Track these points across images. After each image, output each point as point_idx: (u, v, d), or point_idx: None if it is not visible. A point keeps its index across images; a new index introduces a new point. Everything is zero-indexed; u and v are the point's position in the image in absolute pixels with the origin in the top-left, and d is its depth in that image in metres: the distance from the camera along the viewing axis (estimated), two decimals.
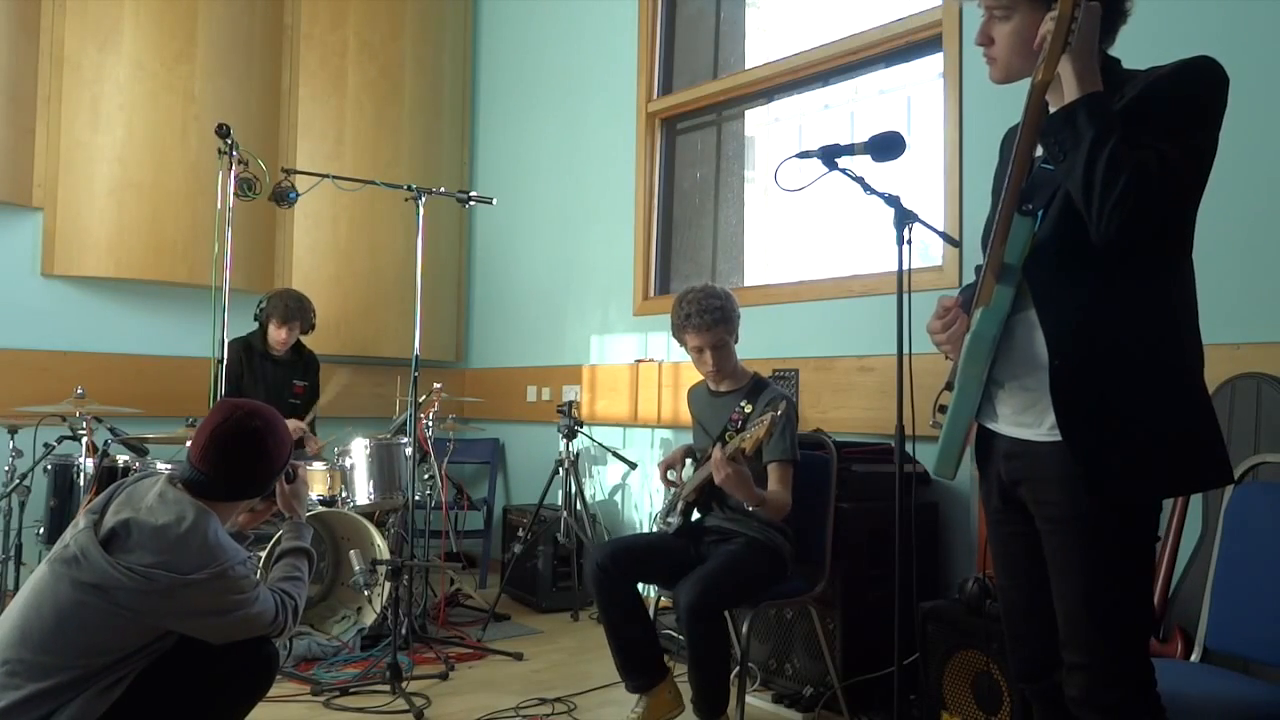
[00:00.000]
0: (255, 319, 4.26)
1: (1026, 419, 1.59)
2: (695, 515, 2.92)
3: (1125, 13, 1.58)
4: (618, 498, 4.63)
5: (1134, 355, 1.49)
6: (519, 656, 3.56)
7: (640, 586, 2.82)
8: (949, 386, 1.71)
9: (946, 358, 1.74)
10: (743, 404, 2.79)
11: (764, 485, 2.71)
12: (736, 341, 2.90)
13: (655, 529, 2.99)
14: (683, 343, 2.89)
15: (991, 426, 1.68)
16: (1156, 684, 1.52)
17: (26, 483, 3.61)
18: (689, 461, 3.05)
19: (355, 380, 5.06)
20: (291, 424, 4.15)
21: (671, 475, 2.95)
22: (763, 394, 2.81)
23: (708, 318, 2.78)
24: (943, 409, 1.73)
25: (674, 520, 2.88)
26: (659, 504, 3.06)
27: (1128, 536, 1.51)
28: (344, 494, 3.74)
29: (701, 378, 3.02)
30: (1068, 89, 1.47)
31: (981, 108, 3.19)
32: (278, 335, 4.20)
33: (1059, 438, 1.52)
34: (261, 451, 1.99)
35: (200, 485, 1.92)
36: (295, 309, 4.19)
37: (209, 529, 1.86)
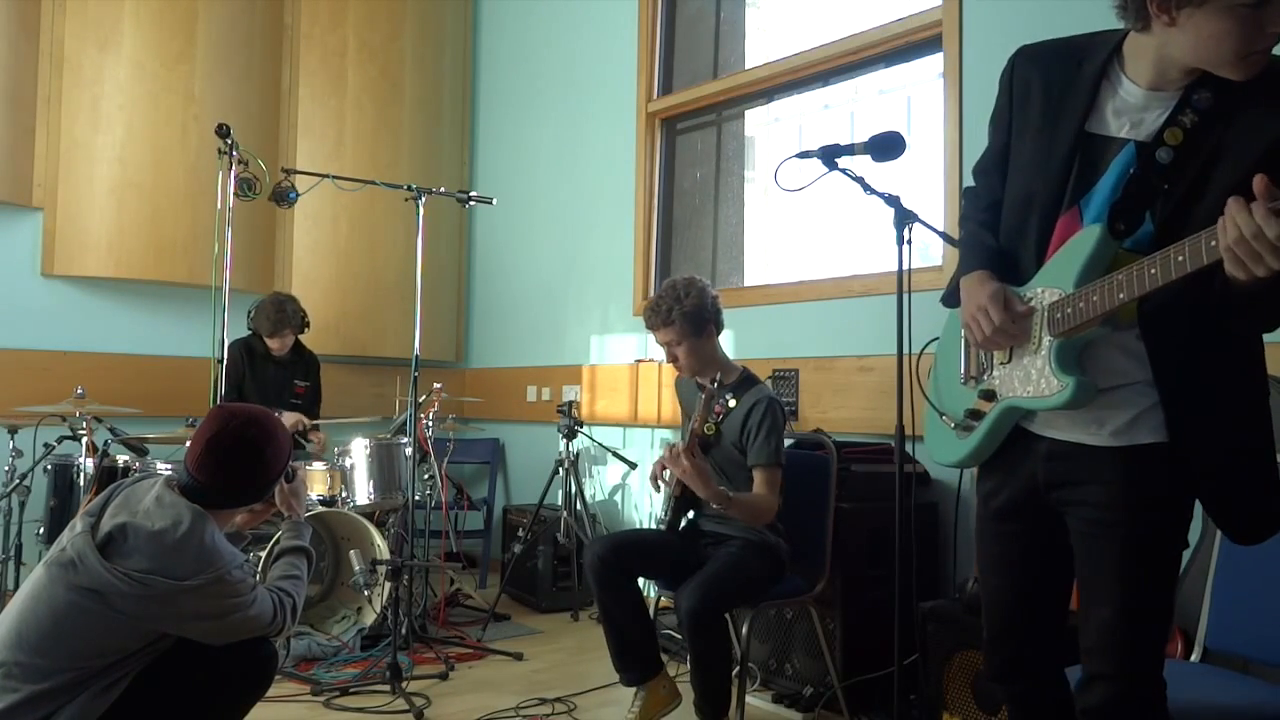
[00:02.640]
0: (249, 329, 4.29)
1: (1082, 422, 1.50)
2: (689, 515, 2.91)
3: None
4: (618, 498, 4.63)
5: (1250, 412, 1.46)
6: (519, 656, 3.56)
7: (640, 582, 2.81)
8: (987, 395, 1.61)
9: (977, 346, 1.63)
10: (726, 399, 2.77)
11: (748, 489, 2.71)
12: (710, 337, 2.82)
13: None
14: None
15: (1029, 427, 1.59)
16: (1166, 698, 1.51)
17: (26, 483, 3.61)
18: None
19: (355, 380, 5.06)
20: (291, 418, 4.16)
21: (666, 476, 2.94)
22: (749, 392, 2.78)
23: (656, 318, 2.77)
24: (973, 414, 1.64)
25: (665, 517, 2.86)
26: (659, 503, 3.05)
27: (1168, 547, 1.49)
28: (344, 494, 3.74)
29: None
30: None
31: (982, 108, 3.18)
32: (272, 345, 4.25)
33: (1121, 443, 1.46)
34: (259, 460, 1.98)
35: (197, 492, 1.91)
36: (278, 319, 4.20)
37: (205, 533, 1.86)
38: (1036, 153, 1.54)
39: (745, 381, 2.83)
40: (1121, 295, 1.35)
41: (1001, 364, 1.59)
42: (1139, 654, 1.48)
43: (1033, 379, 1.51)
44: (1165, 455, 1.44)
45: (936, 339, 1.85)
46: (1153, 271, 1.30)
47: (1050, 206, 1.52)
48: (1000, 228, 1.64)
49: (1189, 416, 1.42)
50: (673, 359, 2.84)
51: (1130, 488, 1.46)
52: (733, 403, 2.75)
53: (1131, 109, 1.45)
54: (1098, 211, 1.46)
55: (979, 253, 1.64)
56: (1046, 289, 1.50)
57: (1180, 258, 1.27)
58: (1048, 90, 1.54)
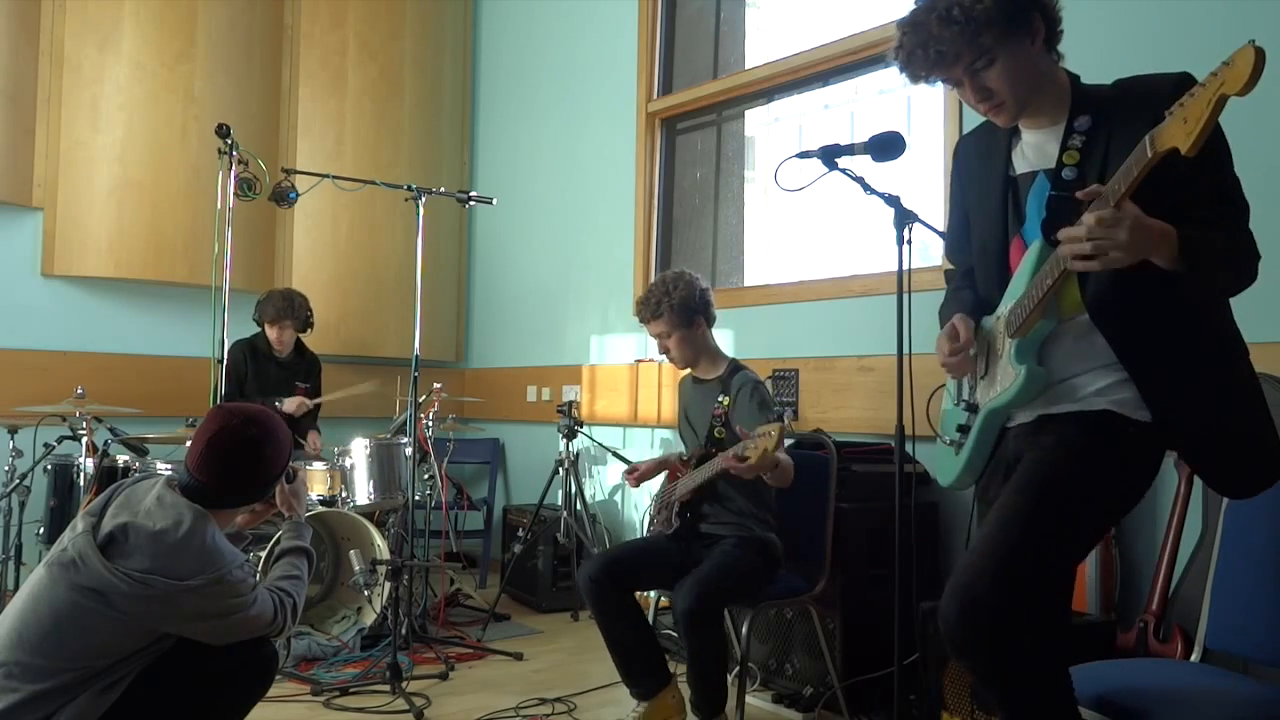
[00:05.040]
0: (254, 320, 4.29)
1: (1044, 403, 1.66)
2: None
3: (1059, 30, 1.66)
4: (618, 498, 4.63)
5: (1230, 383, 1.55)
6: (519, 656, 3.56)
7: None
8: (971, 409, 1.75)
9: (948, 373, 1.81)
10: (721, 398, 2.80)
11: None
12: (699, 328, 2.87)
13: (648, 532, 2.99)
14: None
15: (1006, 426, 1.75)
16: (1068, 658, 1.56)
17: (26, 483, 3.61)
18: (662, 477, 3.04)
19: (355, 380, 5.06)
20: (293, 402, 4.17)
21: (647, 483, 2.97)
22: (733, 381, 2.82)
23: (646, 310, 2.86)
24: (962, 429, 1.77)
25: (674, 523, 2.87)
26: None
27: (1088, 502, 1.57)
28: (344, 494, 3.74)
29: (687, 371, 3.04)
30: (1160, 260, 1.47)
31: None
32: (272, 335, 4.26)
33: (1074, 409, 1.60)
34: (259, 459, 1.99)
35: (198, 492, 1.91)
36: (284, 308, 4.22)
37: (206, 533, 1.86)
38: (981, 208, 1.80)
39: (731, 373, 2.88)
40: (1048, 281, 1.57)
41: (981, 378, 1.77)
42: (1012, 588, 1.48)
43: (999, 380, 1.70)
44: (1112, 424, 1.56)
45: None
46: (1059, 254, 1.54)
47: (1000, 244, 1.75)
48: (978, 283, 1.84)
49: (1164, 388, 1.53)
50: (664, 351, 2.91)
51: (1064, 437, 1.59)
52: (726, 401, 2.79)
53: (1032, 146, 1.72)
54: (1033, 234, 1.67)
55: (952, 306, 1.88)
56: (1007, 303, 1.71)
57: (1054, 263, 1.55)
58: (980, 157, 1.82)
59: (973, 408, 1.76)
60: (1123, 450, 1.57)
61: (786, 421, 2.53)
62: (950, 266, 2.03)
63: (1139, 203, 1.44)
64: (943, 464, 1.86)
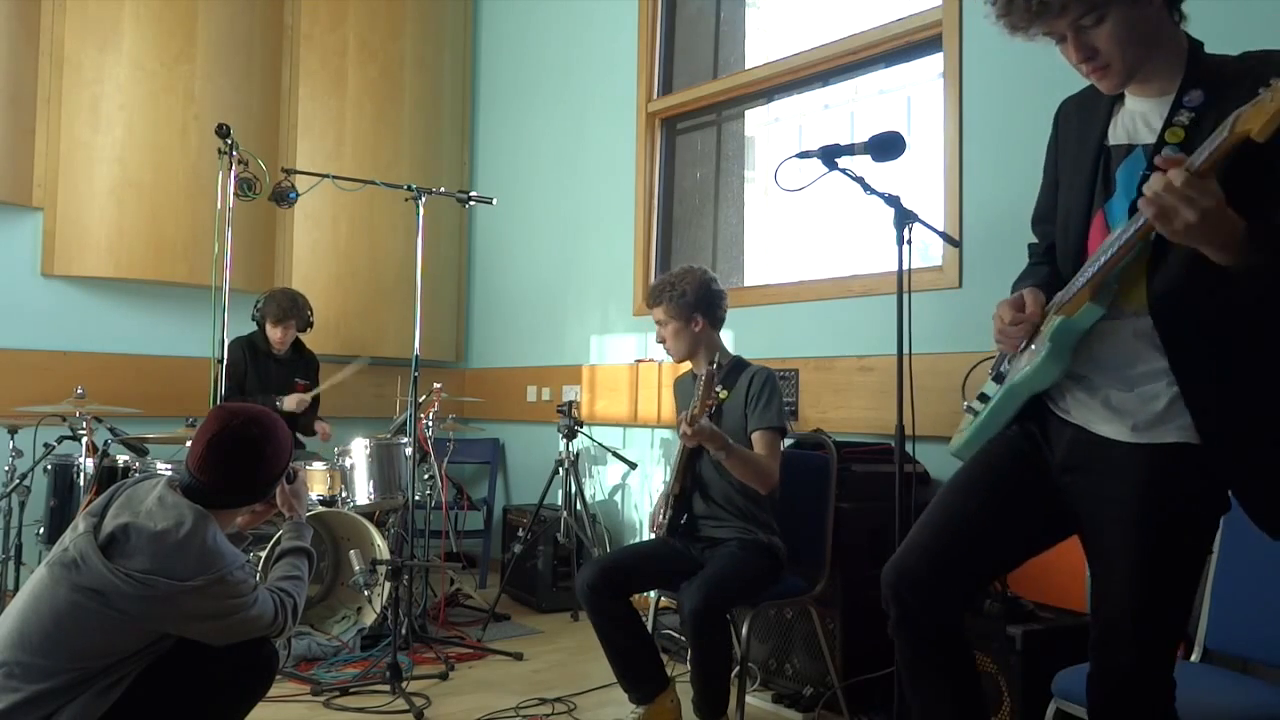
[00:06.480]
0: (253, 319, 4.29)
1: (1110, 415, 1.53)
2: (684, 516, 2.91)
3: None
4: (618, 498, 4.63)
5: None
6: (519, 656, 3.56)
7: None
8: (998, 379, 1.69)
9: (1000, 345, 1.71)
10: (718, 390, 2.78)
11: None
12: (699, 327, 2.84)
13: (651, 535, 2.98)
14: None
15: (1055, 410, 1.62)
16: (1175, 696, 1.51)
17: (26, 483, 3.61)
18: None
19: (355, 380, 5.06)
20: (292, 400, 4.18)
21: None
22: (742, 375, 2.81)
23: (651, 296, 2.89)
24: (983, 397, 1.71)
25: (668, 516, 2.87)
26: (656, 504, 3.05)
27: (1187, 550, 1.49)
28: (344, 494, 3.74)
29: (686, 368, 3.05)
30: (1220, 259, 1.34)
31: (981, 107, 3.18)
32: (274, 335, 4.26)
33: (1144, 440, 1.48)
34: (260, 459, 1.99)
35: (199, 492, 1.92)
36: (289, 308, 4.22)
37: (208, 534, 1.86)
38: (1070, 177, 1.65)
39: (735, 367, 2.86)
40: (1103, 258, 1.46)
41: (1019, 353, 1.66)
42: (1147, 652, 1.48)
43: (1026, 357, 1.61)
44: (1192, 456, 1.44)
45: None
46: (1123, 236, 1.43)
47: (1082, 218, 1.60)
48: (1057, 259, 1.70)
49: (1212, 405, 1.42)
50: (660, 340, 2.92)
51: (1150, 487, 1.46)
52: (724, 394, 2.76)
53: (1134, 116, 1.55)
54: (1119, 212, 1.52)
55: (1027, 280, 1.75)
56: (1072, 288, 1.58)
57: (1133, 223, 1.41)
58: (1081, 121, 1.66)
59: (999, 378, 1.68)
60: (1194, 487, 1.46)
61: (715, 365, 2.53)
62: (1034, 240, 1.87)
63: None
64: (961, 431, 1.78)
